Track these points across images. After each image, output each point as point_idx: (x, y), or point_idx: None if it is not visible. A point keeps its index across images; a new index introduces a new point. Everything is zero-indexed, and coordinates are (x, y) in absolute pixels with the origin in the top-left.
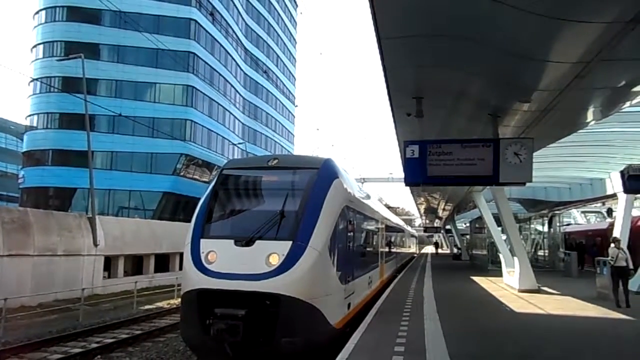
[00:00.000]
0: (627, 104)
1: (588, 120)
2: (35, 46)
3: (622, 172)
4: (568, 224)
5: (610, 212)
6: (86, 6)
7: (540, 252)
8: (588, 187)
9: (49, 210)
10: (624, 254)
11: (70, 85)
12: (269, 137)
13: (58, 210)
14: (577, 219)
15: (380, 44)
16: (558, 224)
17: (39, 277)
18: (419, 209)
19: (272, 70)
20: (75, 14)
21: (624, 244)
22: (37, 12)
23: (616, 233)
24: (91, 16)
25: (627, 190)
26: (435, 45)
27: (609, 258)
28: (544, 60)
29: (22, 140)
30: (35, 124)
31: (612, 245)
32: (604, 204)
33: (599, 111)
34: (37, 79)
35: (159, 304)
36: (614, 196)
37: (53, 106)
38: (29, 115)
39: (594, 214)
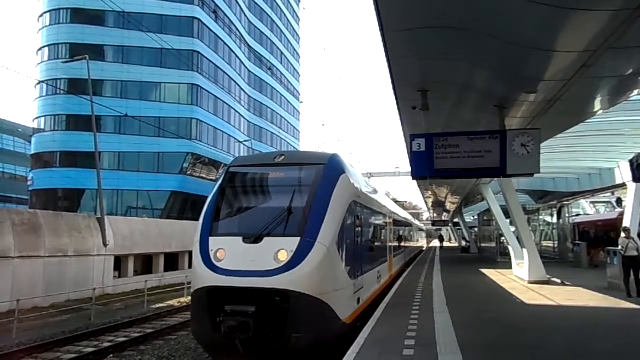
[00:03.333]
0: (635, 92)
1: (596, 109)
2: (40, 49)
3: (631, 161)
4: (577, 215)
5: (619, 201)
6: (90, 8)
7: (549, 243)
8: (597, 177)
9: (58, 211)
10: (635, 244)
11: (76, 86)
12: (274, 134)
13: (67, 211)
14: (586, 210)
15: (384, 37)
16: (567, 215)
17: (50, 278)
18: (426, 202)
19: (276, 67)
20: (79, 16)
21: (634, 233)
22: (41, 15)
23: (626, 223)
24: (95, 17)
25: (636, 179)
26: (440, 38)
27: (619, 248)
28: (550, 50)
29: (30, 142)
30: (42, 127)
31: (623, 235)
32: (613, 193)
33: (606, 100)
34: (43, 82)
35: (170, 303)
36: (623, 185)
37: (60, 108)
38: (37, 118)
39: (603, 204)
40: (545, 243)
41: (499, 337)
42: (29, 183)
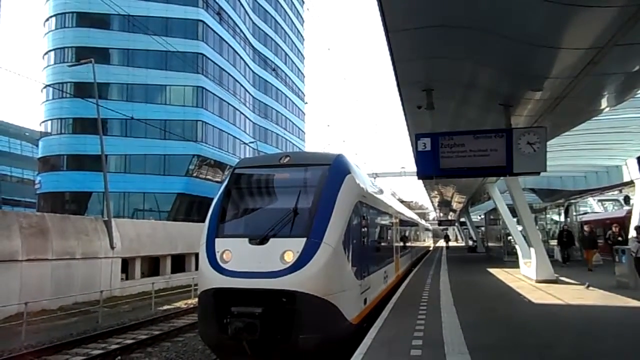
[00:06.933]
0: None
1: (602, 107)
2: (46, 53)
3: (638, 158)
4: (585, 213)
5: (627, 199)
6: (95, 11)
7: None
8: (604, 175)
9: (65, 214)
10: None
11: (82, 90)
12: (279, 135)
13: (74, 214)
14: (594, 208)
15: (388, 37)
16: (575, 213)
17: (58, 281)
18: (432, 202)
19: (280, 68)
20: (85, 20)
21: None
22: (47, 19)
23: (634, 220)
24: (100, 21)
25: None
26: (444, 36)
27: (629, 247)
28: (556, 47)
29: (37, 146)
30: (49, 130)
31: (634, 234)
32: (621, 191)
33: (613, 97)
34: (49, 85)
35: (177, 304)
36: (631, 183)
37: (66, 112)
38: (43, 122)
39: (611, 202)
40: (552, 242)
41: (507, 336)
42: (36, 186)
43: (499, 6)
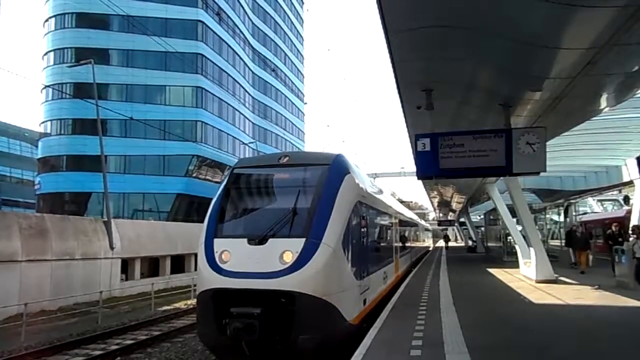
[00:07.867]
0: None
1: (601, 107)
2: (46, 53)
3: (638, 158)
4: (584, 213)
5: (627, 199)
6: (95, 12)
7: (557, 242)
8: (604, 175)
9: (65, 215)
10: None
11: (81, 90)
12: (279, 136)
13: (74, 215)
14: (594, 208)
15: (387, 38)
16: (574, 213)
17: (57, 281)
18: (432, 202)
19: (280, 69)
20: (84, 20)
21: None
22: (46, 20)
23: (634, 220)
24: (100, 22)
25: None
26: (444, 37)
27: (625, 247)
28: (555, 48)
29: (36, 147)
30: (49, 131)
31: (632, 235)
32: (620, 191)
33: (612, 97)
34: (49, 86)
35: (176, 305)
36: (630, 183)
37: (65, 112)
38: (43, 122)
39: (610, 202)
40: (552, 242)
41: (506, 336)
42: (36, 187)
43: (499, 6)
